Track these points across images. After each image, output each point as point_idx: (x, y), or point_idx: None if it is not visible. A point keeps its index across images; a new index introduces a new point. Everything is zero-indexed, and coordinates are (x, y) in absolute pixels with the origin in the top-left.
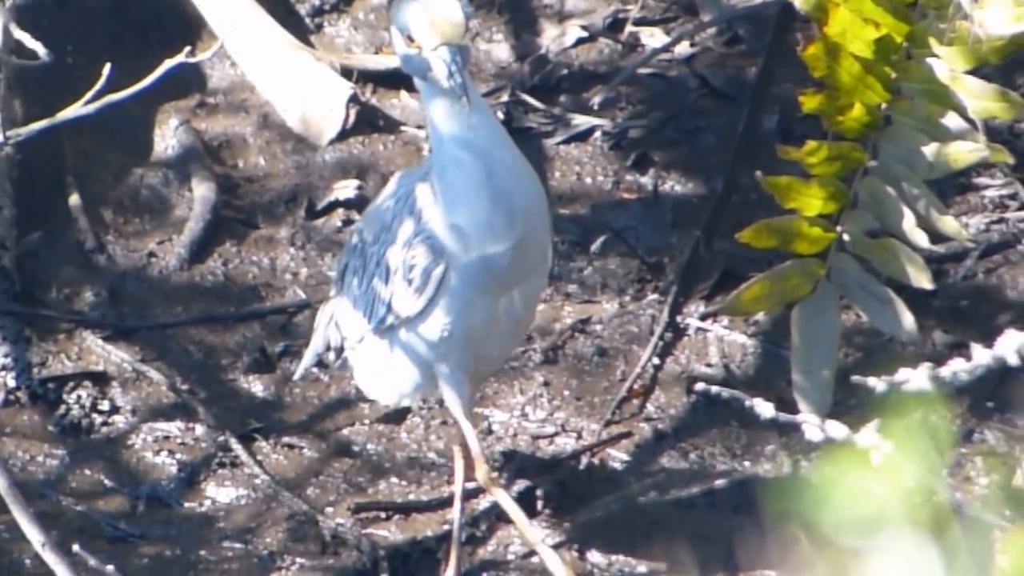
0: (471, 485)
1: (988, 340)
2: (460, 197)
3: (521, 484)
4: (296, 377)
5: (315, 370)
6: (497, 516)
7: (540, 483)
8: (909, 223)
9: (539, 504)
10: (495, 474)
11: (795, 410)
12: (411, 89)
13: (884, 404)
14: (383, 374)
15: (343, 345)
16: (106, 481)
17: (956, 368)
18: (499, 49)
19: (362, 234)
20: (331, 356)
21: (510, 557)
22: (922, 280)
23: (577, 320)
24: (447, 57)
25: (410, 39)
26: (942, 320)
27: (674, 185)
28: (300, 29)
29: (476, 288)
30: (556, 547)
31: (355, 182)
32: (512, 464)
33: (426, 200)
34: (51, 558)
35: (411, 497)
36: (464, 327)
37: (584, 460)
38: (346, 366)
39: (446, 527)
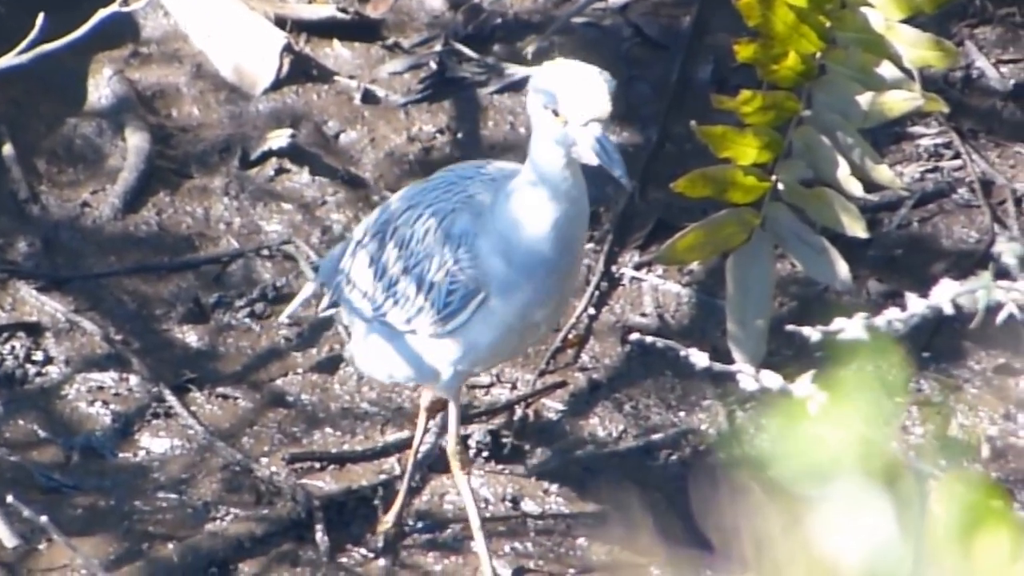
0: (405, 435)
1: (923, 289)
2: (537, 238)
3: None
4: (282, 319)
5: (247, 320)
6: (430, 467)
7: (474, 433)
8: (844, 172)
9: (472, 454)
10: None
11: (730, 360)
12: (344, 39)
13: (833, 353)
14: (386, 358)
15: (338, 301)
16: (40, 432)
17: (891, 317)
18: None
19: (391, 223)
20: (324, 304)
21: (446, 507)
22: (856, 229)
23: None
24: (599, 135)
25: (555, 113)
26: (877, 269)
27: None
28: None
29: (509, 320)
30: (491, 500)
31: (289, 131)
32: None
33: (475, 228)
34: None
35: (345, 447)
36: (489, 348)
37: (519, 410)
38: (332, 319)
39: (381, 476)
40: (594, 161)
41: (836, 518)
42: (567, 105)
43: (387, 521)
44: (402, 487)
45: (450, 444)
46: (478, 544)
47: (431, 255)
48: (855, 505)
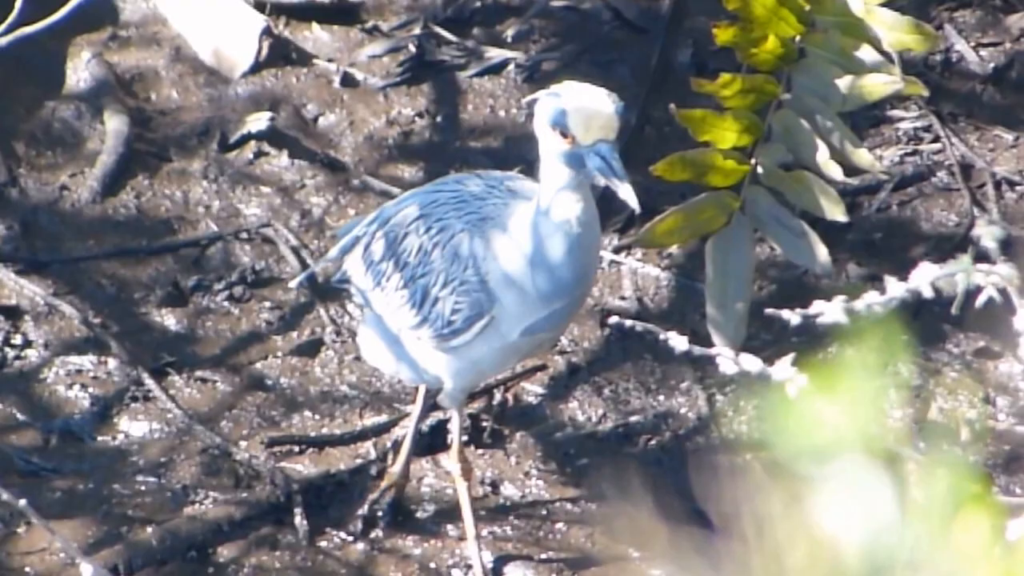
0: (384, 419)
1: (902, 273)
2: (550, 266)
3: (434, 418)
4: (292, 285)
5: (226, 303)
6: (409, 451)
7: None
8: (823, 156)
9: (450, 438)
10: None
11: (709, 343)
12: (323, 22)
13: (830, 334)
14: (392, 356)
15: (350, 278)
16: (19, 415)
17: (870, 301)
18: None
19: (391, 236)
20: (337, 276)
21: (423, 490)
22: (836, 213)
23: None
24: (608, 154)
25: (563, 134)
26: (856, 253)
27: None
28: None
29: (514, 341)
30: (471, 484)
31: (268, 115)
32: (427, 398)
33: (485, 251)
34: None
35: (324, 431)
36: (492, 366)
37: (498, 394)
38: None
39: (358, 461)
40: (601, 182)
41: (837, 498)
42: (575, 126)
43: (394, 473)
44: (407, 436)
45: (452, 454)
46: (472, 551)
47: (438, 271)
48: (856, 485)
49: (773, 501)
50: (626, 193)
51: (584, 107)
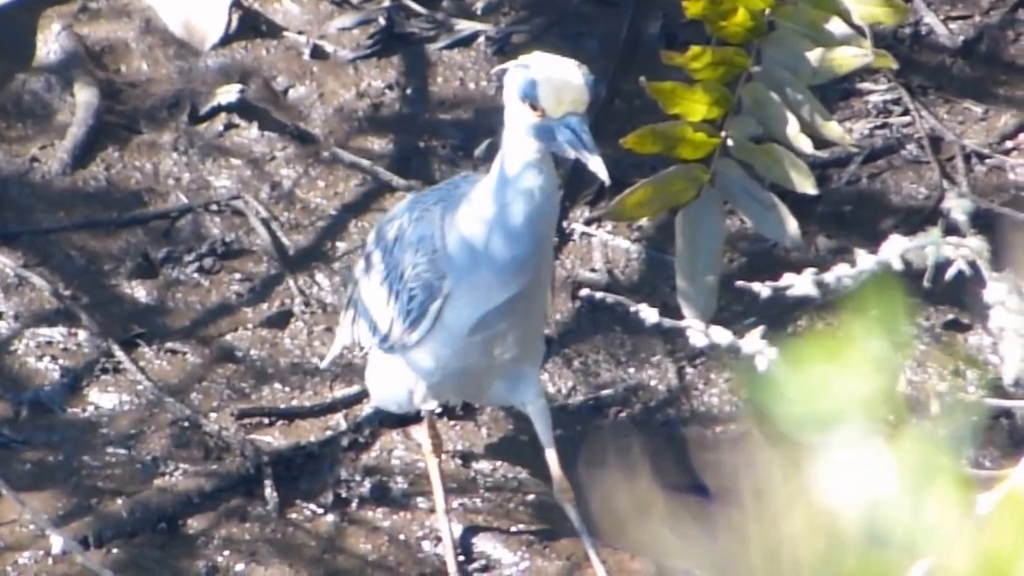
0: (354, 390)
1: (872, 245)
2: (505, 234)
3: None
4: (323, 365)
5: (196, 275)
6: (380, 422)
7: None
8: (793, 128)
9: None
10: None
11: (679, 316)
12: None
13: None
14: (378, 382)
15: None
16: None
17: (840, 273)
18: None
19: (377, 239)
20: (356, 350)
21: (393, 462)
22: (806, 185)
23: None
24: (578, 127)
25: (532, 107)
26: (826, 225)
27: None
28: None
29: (470, 324)
30: (441, 457)
31: (238, 87)
32: None
33: (439, 229)
34: None
35: (294, 403)
36: (454, 359)
37: None
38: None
39: (328, 433)
40: (571, 154)
41: (837, 465)
42: (545, 98)
43: None
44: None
45: (423, 428)
46: (441, 525)
47: (399, 264)
48: (856, 452)
49: (772, 468)
50: (596, 166)
51: (554, 79)
